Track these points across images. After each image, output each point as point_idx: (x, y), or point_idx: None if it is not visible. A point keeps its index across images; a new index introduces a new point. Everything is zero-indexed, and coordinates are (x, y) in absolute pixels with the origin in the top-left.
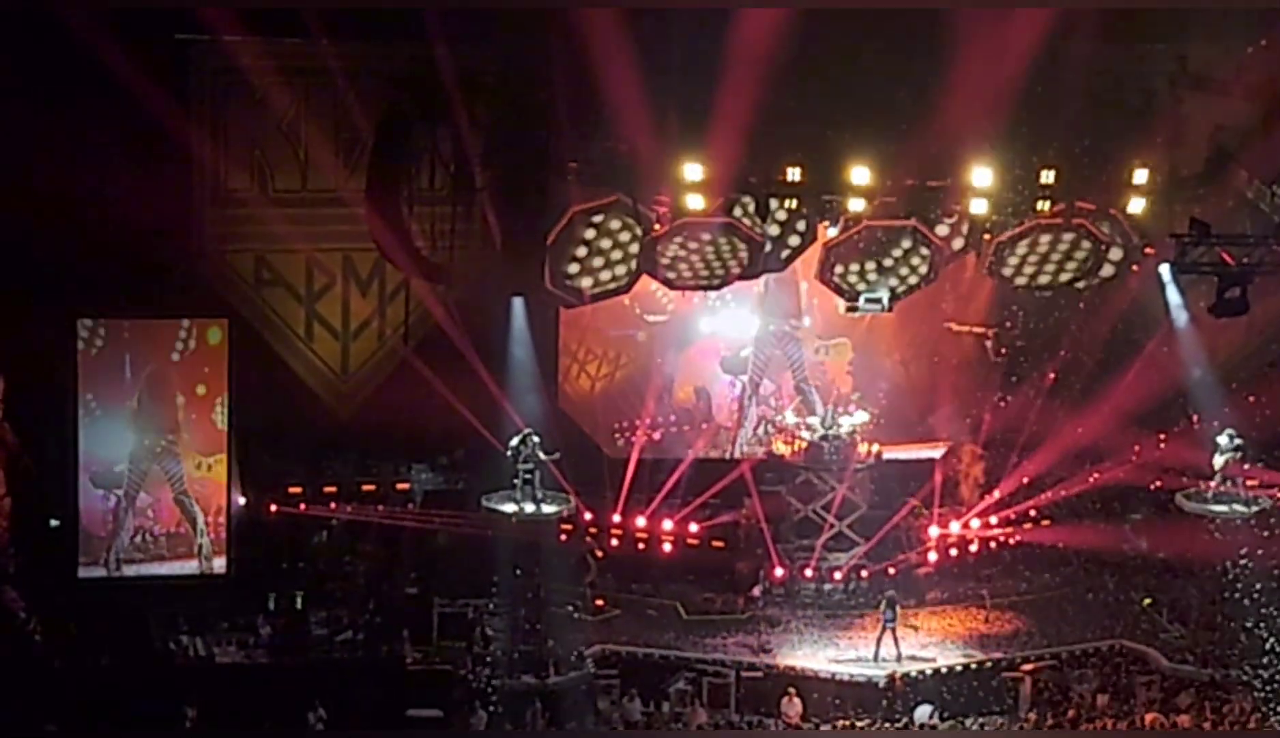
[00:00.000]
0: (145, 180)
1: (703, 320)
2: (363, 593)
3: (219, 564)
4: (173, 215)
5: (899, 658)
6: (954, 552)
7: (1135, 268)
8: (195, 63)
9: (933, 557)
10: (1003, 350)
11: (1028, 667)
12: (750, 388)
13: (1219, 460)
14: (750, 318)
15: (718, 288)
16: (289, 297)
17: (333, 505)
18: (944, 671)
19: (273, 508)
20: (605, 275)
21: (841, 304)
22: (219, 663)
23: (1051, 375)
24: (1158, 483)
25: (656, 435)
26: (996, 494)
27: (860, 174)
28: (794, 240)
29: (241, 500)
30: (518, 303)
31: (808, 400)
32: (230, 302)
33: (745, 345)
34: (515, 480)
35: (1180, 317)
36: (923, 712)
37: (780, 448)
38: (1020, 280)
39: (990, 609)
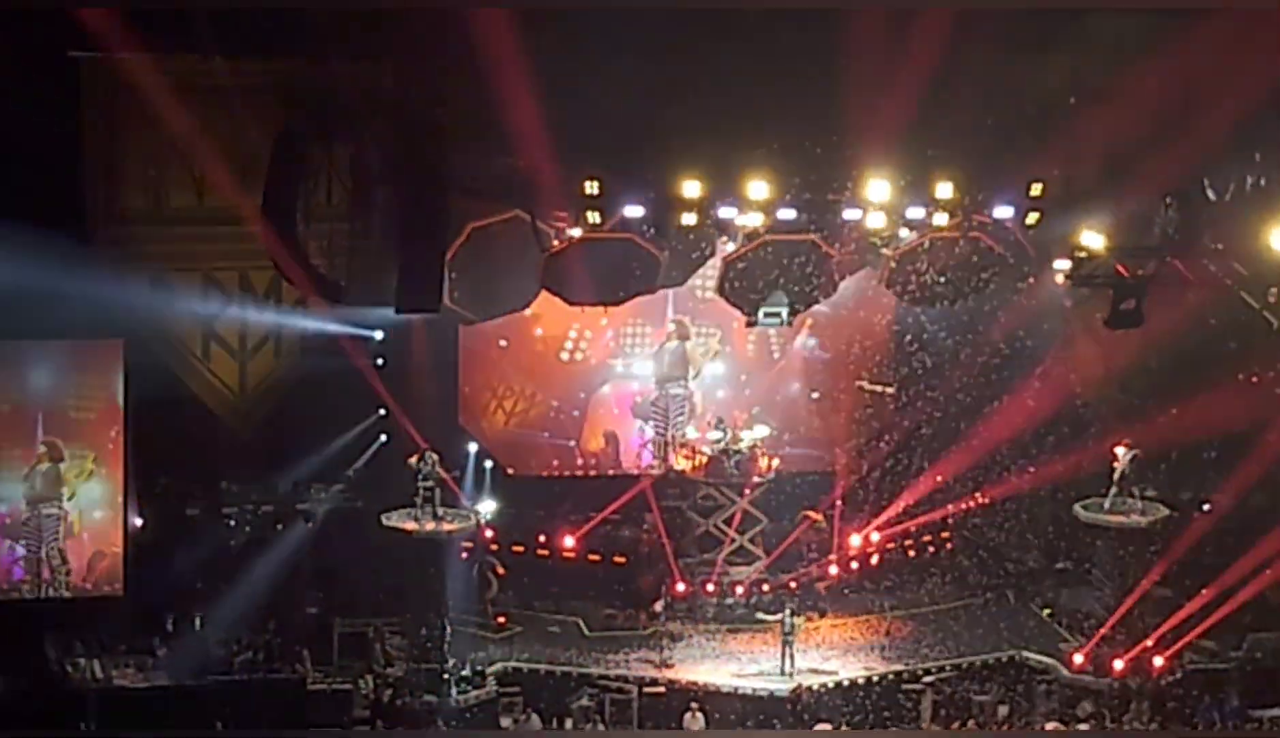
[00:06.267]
0: (37, 200)
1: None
2: (262, 613)
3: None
4: (66, 235)
5: (791, 673)
6: (855, 564)
7: (1033, 280)
8: (87, 80)
9: (833, 569)
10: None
11: (929, 679)
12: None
13: (1116, 471)
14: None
15: (617, 303)
16: (186, 315)
17: (231, 524)
18: (845, 684)
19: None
20: (504, 292)
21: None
22: (116, 685)
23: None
24: (1056, 493)
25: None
26: (898, 506)
27: (758, 188)
28: (692, 255)
29: (138, 521)
30: (417, 320)
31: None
32: (126, 320)
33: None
34: (415, 498)
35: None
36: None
37: (681, 463)
38: (918, 293)
39: (891, 622)
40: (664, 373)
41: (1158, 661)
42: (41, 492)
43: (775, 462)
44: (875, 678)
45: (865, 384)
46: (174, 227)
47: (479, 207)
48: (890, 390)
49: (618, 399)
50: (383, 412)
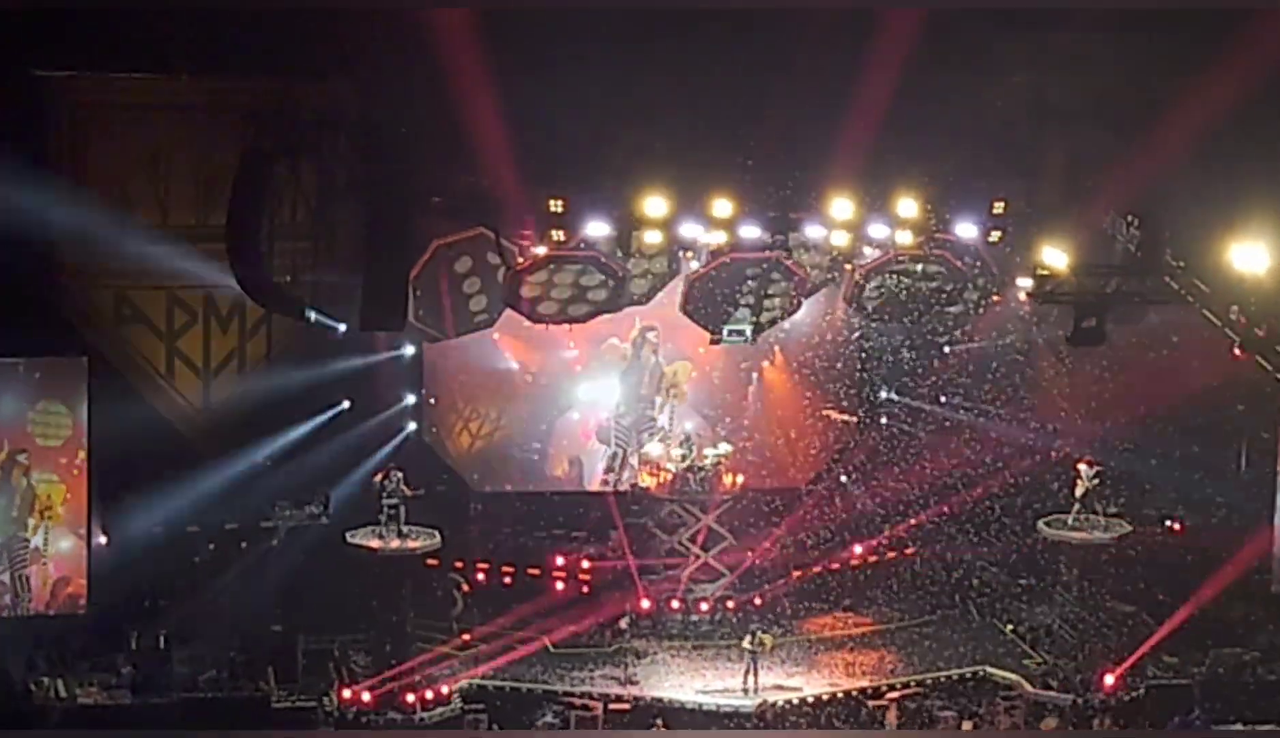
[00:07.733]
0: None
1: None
2: (226, 631)
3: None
4: (31, 251)
5: (755, 689)
6: (819, 580)
7: (996, 298)
8: (53, 98)
9: (798, 586)
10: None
11: (893, 695)
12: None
13: (1079, 488)
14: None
15: (582, 321)
16: (149, 333)
17: (195, 542)
18: (810, 700)
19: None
20: (469, 310)
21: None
22: (80, 703)
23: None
24: (1019, 510)
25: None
26: (862, 523)
27: (722, 206)
28: (657, 272)
29: (103, 539)
30: (381, 338)
31: None
32: (90, 339)
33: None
34: (380, 516)
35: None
36: None
37: (645, 480)
38: (881, 311)
39: (855, 638)
40: (643, 389)
41: (1115, 677)
42: (18, 512)
43: (740, 478)
44: (840, 695)
45: (833, 414)
46: (139, 244)
47: (443, 224)
48: (852, 420)
49: (583, 424)
50: (347, 404)
